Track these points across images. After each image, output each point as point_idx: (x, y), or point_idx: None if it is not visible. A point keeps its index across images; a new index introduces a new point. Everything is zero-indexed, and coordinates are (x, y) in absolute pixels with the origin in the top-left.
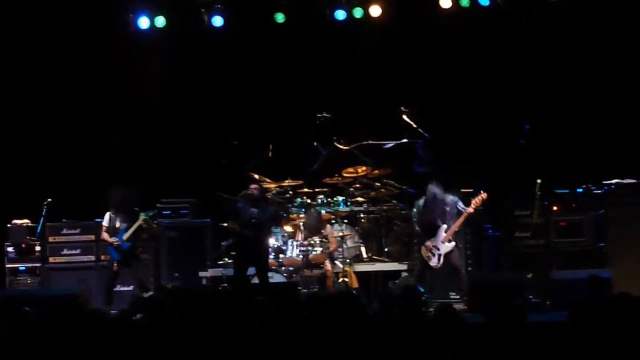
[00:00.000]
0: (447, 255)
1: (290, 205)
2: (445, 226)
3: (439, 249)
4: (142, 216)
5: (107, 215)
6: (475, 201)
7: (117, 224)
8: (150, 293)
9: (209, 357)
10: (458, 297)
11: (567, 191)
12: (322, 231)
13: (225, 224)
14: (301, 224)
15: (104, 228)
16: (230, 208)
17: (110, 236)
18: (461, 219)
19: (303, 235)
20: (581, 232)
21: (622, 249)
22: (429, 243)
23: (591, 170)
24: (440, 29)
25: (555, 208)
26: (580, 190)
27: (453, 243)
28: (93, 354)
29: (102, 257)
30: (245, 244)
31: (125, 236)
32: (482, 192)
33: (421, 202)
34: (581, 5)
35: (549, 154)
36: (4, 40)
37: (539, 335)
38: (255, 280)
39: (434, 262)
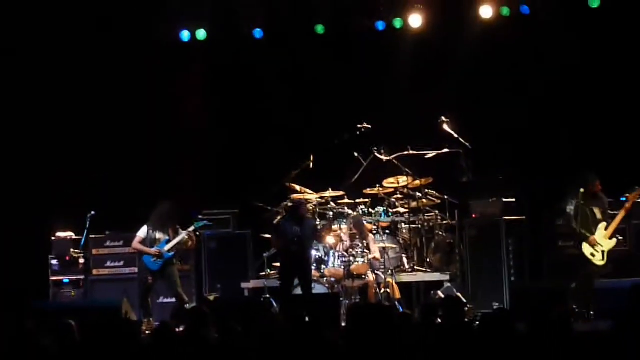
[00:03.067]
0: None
1: (331, 216)
2: (605, 223)
3: (602, 246)
4: (192, 227)
5: (145, 227)
6: (633, 195)
7: (158, 235)
8: (193, 305)
9: None
10: (501, 306)
11: (609, 200)
12: (364, 241)
13: (267, 235)
14: (342, 234)
15: (138, 239)
16: (273, 226)
17: (148, 247)
18: (620, 215)
19: (344, 245)
20: (625, 240)
21: None
22: (592, 239)
23: (637, 178)
24: (480, 38)
25: None
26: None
27: (615, 240)
28: None
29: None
30: (290, 260)
31: (169, 247)
32: (637, 187)
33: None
34: (620, 11)
35: (591, 163)
36: (47, 53)
37: (584, 344)
38: (298, 291)
39: (598, 259)
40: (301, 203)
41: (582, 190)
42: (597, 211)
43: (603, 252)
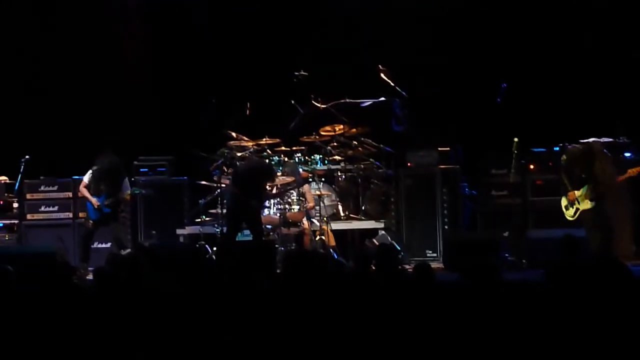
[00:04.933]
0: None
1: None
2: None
3: (578, 203)
4: (129, 192)
5: (90, 172)
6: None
7: (101, 186)
8: (128, 251)
9: (184, 316)
10: (435, 254)
11: (544, 149)
12: (299, 189)
13: (203, 182)
14: (278, 181)
15: (84, 183)
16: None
17: (92, 194)
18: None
19: (280, 193)
20: (558, 190)
21: None
22: (571, 194)
23: (569, 128)
24: None
25: (532, 166)
26: (557, 148)
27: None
28: (68, 312)
29: (81, 215)
30: (236, 202)
31: (108, 201)
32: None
33: None
34: None
35: (526, 113)
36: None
37: (513, 294)
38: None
39: (569, 214)
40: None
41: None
42: None
43: (577, 209)
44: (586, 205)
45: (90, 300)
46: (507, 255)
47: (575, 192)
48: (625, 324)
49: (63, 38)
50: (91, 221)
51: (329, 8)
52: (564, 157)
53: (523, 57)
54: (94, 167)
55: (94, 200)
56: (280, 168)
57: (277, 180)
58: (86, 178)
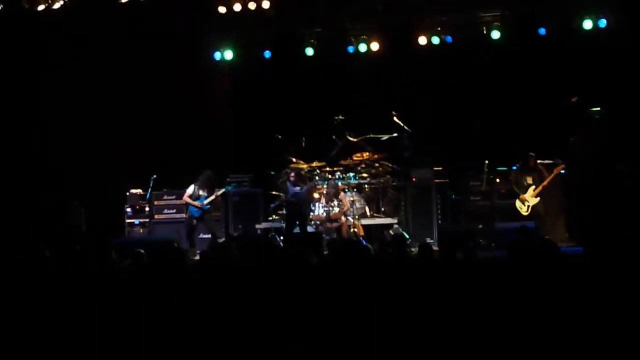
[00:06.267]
0: (534, 206)
1: (317, 179)
2: (534, 186)
3: (528, 202)
4: (223, 190)
5: (192, 186)
6: (558, 169)
7: (200, 192)
8: (223, 239)
9: (260, 283)
10: (432, 240)
11: (505, 168)
12: (338, 196)
13: (273, 192)
14: (324, 192)
15: (187, 194)
16: (281, 187)
17: (193, 200)
18: (545, 182)
19: (326, 199)
20: (515, 196)
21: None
22: (522, 196)
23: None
24: (419, 57)
25: (497, 180)
26: (515, 167)
27: (539, 198)
28: (183, 280)
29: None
30: (292, 209)
31: (207, 201)
32: (561, 163)
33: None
34: (513, 42)
35: (495, 143)
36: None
37: (485, 267)
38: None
39: (523, 210)
40: (295, 173)
41: (521, 164)
42: (528, 178)
43: (529, 206)
44: (536, 200)
45: (196, 273)
46: (481, 240)
47: (524, 195)
48: (556, 284)
49: (177, 97)
50: (194, 219)
51: (359, 72)
52: (512, 174)
53: (493, 105)
54: (198, 181)
55: (197, 203)
56: (326, 183)
57: (322, 191)
58: (189, 190)
